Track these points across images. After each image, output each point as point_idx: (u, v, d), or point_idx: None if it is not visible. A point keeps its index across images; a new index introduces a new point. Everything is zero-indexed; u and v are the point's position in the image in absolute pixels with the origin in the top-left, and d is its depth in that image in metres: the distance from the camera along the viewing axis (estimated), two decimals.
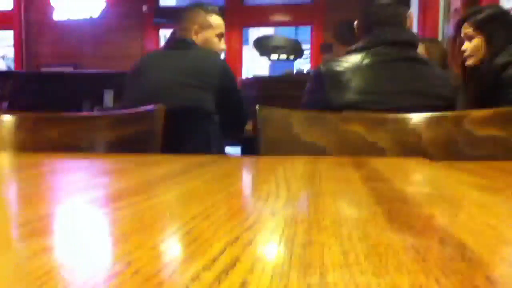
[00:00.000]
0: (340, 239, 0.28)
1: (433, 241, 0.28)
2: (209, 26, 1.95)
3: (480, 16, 1.80)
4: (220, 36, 1.99)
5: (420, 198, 0.43)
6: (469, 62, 1.84)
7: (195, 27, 1.92)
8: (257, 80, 3.27)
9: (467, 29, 1.83)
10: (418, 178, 0.64)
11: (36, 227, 0.31)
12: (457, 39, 1.93)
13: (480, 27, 1.78)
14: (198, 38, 1.92)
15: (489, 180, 0.57)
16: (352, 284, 0.21)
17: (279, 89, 3.16)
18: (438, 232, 0.31)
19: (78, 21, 6.84)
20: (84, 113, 1.22)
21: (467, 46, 1.84)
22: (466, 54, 1.84)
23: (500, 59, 1.68)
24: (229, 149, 2.19)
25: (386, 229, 0.30)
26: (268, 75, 5.11)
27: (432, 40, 2.97)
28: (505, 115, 0.97)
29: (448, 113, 1.04)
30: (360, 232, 0.30)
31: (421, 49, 2.73)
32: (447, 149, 1.00)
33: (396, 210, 0.36)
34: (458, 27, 1.90)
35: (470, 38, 1.82)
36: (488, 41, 1.76)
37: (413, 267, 0.23)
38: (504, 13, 1.84)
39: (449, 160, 0.97)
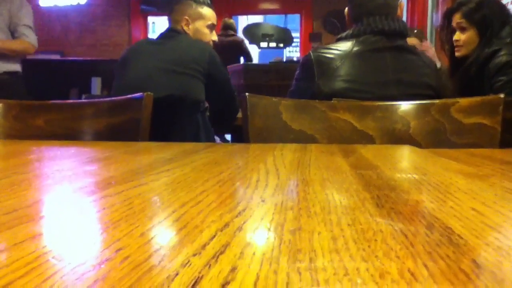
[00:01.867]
0: (329, 225, 0.28)
1: (421, 227, 0.28)
2: (200, 17, 1.95)
3: (470, 6, 1.79)
4: (211, 27, 1.99)
5: (408, 185, 0.43)
6: (461, 52, 1.83)
7: (185, 18, 1.92)
8: (246, 68, 3.25)
9: (459, 20, 1.81)
10: (406, 165, 0.64)
11: (25, 215, 0.31)
12: (446, 29, 1.92)
13: (472, 18, 1.78)
14: (189, 29, 1.92)
15: (475, 167, 0.58)
16: (341, 269, 0.21)
17: (268, 77, 3.15)
18: (425, 218, 0.31)
19: (64, 7, 6.74)
20: (71, 101, 1.20)
21: (458, 36, 1.83)
22: (458, 44, 1.83)
23: (488, 49, 1.69)
24: (218, 137, 2.19)
25: (374, 215, 0.31)
26: (257, 63, 5.09)
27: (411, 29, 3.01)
28: (491, 104, 0.99)
29: (436, 102, 1.05)
30: (349, 218, 0.30)
31: (413, 41, 2.76)
32: (434, 137, 1.01)
33: (385, 197, 0.37)
34: (448, 17, 1.89)
35: (462, 29, 1.81)
36: (480, 31, 1.76)
37: (402, 252, 0.23)
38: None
39: (436, 147, 0.98)
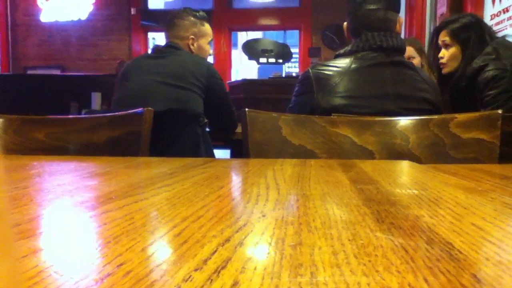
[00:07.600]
0: (330, 240, 0.28)
1: (421, 242, 0.29)
2: (204, 35, 2.01)
3: (456, 25, 1.86)
4: (210, 42, 2.07)
5: (408, 200, 0.43)
6: (446, 69, 1.90)
7: (192, 37, 1.96)
8: (245, 83, 3.27)
9: (444, 37, 1.89)
10: (405, 180, 0.64)
11: (26, 229, 0.31)
12: (433, 46, 1.99)
13: (456, 36, 1.84)
14: (194, 47, 1.98)
15: (475, 182, 0.58)
16: (342, 283, 0.21)
17: (267, 92, 3.16)
18: (425, 233, 0.31)
19: (65, 22, 6.79)
20: (72, 116, 1.21)
21: (443, 53, 1.90)
22: (442, 61, 1.90)
23: (475, 64, 1.74)
24: (218, 152, 2.19)
25: (375, 230, 0.31)
26: (257, 79, 5.12)
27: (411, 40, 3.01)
28: (489, 119, 0.99)
29: (434, 117, 1.06)
30: (350, 233, 0.30)
31: (411, 52, 2.76)
32: (433, 151, 1.01)
33: (385, 212, 0.37)
34: (436, 35, 1.96)
35: (446, 46, 1.88)
36: (463, 49, 1.82)
37: (402, 267, 0.23)
38: (478, 21, 1.89)
39: (435, 162, 0.98)
